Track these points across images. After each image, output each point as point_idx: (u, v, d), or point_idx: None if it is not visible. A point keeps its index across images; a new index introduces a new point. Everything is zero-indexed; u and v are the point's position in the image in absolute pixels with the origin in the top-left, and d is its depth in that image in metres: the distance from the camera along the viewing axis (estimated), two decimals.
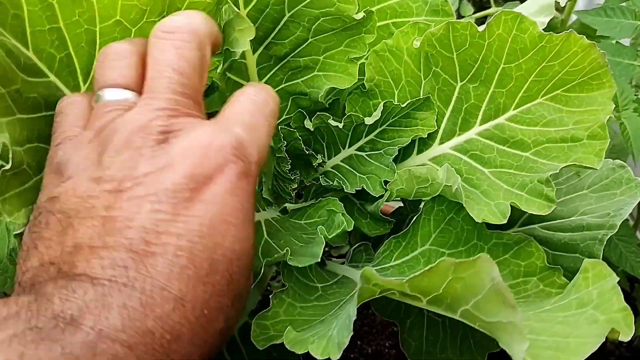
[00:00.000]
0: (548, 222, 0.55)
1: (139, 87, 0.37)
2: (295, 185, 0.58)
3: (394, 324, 0.83)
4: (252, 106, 0.38)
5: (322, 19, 0.54)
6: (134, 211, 0.31)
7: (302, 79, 0.59)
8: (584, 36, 0.46)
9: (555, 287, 0.50)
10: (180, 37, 0.36)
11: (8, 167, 0.35)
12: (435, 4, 0.57)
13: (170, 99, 0.35)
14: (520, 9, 0.62)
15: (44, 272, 0.32)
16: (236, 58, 0.47)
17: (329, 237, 0.51)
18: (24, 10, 0.36)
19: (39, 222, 0.33)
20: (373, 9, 0.61)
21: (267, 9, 0.54)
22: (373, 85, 0.57)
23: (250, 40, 0.47)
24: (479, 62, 0.50)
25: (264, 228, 0.54)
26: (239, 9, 0.53)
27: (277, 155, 0.57)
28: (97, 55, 0.40)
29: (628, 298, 0.92)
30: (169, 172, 0.33)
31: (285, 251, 0.47)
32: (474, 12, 1.16)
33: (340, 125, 0.56)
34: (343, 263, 0.64)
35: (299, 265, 0.48)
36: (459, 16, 1.16)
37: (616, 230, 0.50)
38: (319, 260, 0.49)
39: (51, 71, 0.39)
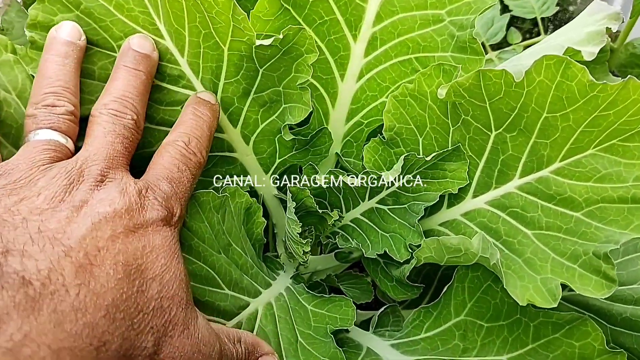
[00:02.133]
0: (603, 297, 0.47)
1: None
2: (309, 249, 0.52)
3: None
4: (179, 156, 0.42)
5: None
6: (75, 227, 0.33)
7: (275, 116, 0.51)
8: None
9: None
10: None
11: None
12: (462, 40, 0.49)
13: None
14: (563, 35, 0.54)
15: None
16: None
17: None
18: None
19: None
20: (393, 41, 0.54)
21: (202, 49, 0.47)
22: (393, 134, 0.49)
23: None
24: (516, 110, 0.43)
25: (276, 316, 0.48)
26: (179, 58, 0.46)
27: (288, 216, 0.50)
28: None
29: None
30: (107, 206, 0.36)
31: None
32: (522, 40, 1.07)
33: (357, 184, 0.49)
34: (367, 325, 0.57)
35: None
36: (507, 44, 1.07)
37: None
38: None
39: None
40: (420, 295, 0.56)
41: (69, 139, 0.41)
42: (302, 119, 0.49)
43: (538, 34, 1.11)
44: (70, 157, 0.39)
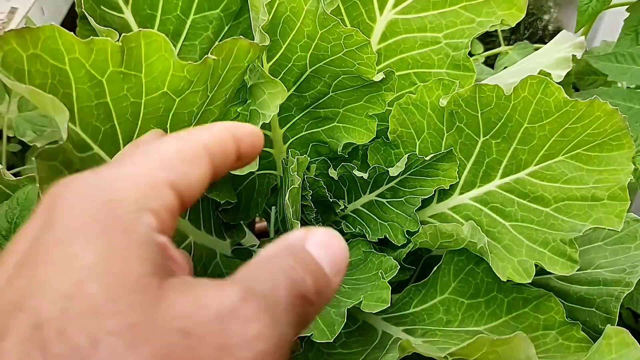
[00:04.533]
0: (568, 274, 0.57)
1: None
2: None
3: None
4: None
5: (342, 76, 0.56)
6: None
7: (322, 129, 0.61)
8: (607, 102, 0.48)
9: (574, 341, 0.51)
10: None
11: None
12: (457, 59, 0.58)
13: None
14: (536, 59, 0.64)
15: None
16: (266, 122, 0.48)
17: (387, 279, 0.52)
18: (72, 88, 0.37)
19: None
20: (395, 57, 0.62)
21: (289, 65, 0.55)
22: (396, 137, 0.58)
23: None
24: (502, 120, 0.52)
25: None
26: (262, 65, 0.54)
27: (303, 203, 0.58)
28: (139, 124, 0.42)
29: (630, 330, 0.94)
30: None
31: (360, 300, 0.48)
32: (484, 51, 1.19)
33: (365, 176, 0.57)
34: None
35: (373, 312, 0.49)
36: (469, 54, 1.18)
37: (632, 288, 0.51)
38: (389, 305, 0.49)
39: (95, 143, 0.40)
40: (406, 280, 0.64)
41: None
42: (366, 141, 0.59)
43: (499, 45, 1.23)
44: None
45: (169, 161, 0.25)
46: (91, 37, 0.36)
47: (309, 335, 0.45)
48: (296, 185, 0.48)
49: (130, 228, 0.22)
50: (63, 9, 1.27)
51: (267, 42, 0.45)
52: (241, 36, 0.42)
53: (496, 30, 1.24)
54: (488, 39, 1.32)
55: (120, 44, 0.37)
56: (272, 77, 0.47)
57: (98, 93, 0.38)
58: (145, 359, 0.19)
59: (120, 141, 0.42)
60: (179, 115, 0.44)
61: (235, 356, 0.20)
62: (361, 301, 0.47)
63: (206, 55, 0.40)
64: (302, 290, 0.23)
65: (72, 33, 0.35)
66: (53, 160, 0.35)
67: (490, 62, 1.20)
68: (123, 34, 0.37)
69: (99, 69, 0.38)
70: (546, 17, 1.60)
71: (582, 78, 1.03)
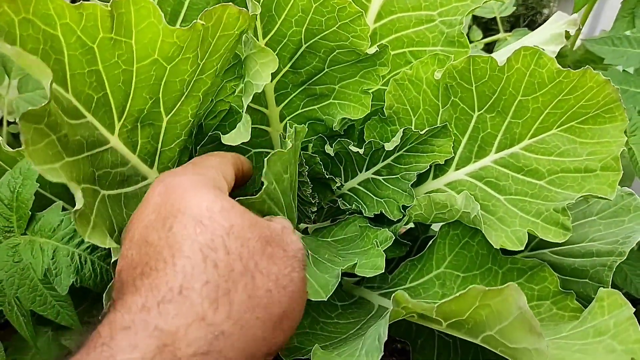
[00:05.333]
0: (558, 247, 0.57)
1: None
2: (315, 209, 0.60)
3: (398, 341, 0.85)
4: None
5: (337, 51, 0.56)
6: None
7: (318, 106, 0.61)
8: (599, 72, 0.48)
9: (568, 310, 0.52)
10: None
11: (80, 206, 0.37)
12: (451, 36, 0.59)
13: None
14: (531, 37, 0.65)
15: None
16: (259, 91, 0.48)
17: (382, 249, 0.53)
18: (64, 55, 0.38)
19: None
20: (390, 37, 0.63)
21: (285, 40, 0.56)
22: (392, 113, 0.59)
23: None
24: (497, 93, 0.52)
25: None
26: (258, 40, 0.55)
27: (299, 179, 0.58)
28: (131, 93, 0.42)
29: None
30: None
31: (355, 262, 0.49)
32: (483, 37, 1.19)
33: (361, 152, 0.57)
34: (357, 283, 0.65)
35: (367, 275, 0.50)
36: (469, 41, 1.19)
37: (625, 257, 0.52)
38: (383, 271, 0.50)
39: (89, 111, 0.40)
40: (402, 258, 0.65)
41: None
42: (360, 117, 0.60)
43: (498, 32, 1.24)
44: None
45: (218, 167, 0.46)
46: (81, 2, 0.37)
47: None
48: (286, 149, 0.48)
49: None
50: None
51: (258, 11, 0.46)
52: (230, 3, 0.43)
53: (496, 22, 1.25)
54: (488, 32, 1.33)
55: (110, 8, 0.38)
56: (262, 46, 0.48)
57: (90, 60, 0.39)
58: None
59: (114, 110, 0.42)
60: (171, 84, 0.44)
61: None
62: (355, 264, 0.48)
63: (195, 20, 0.41)
64: None
65: None
66: (38, 123, 0.35)
67: (490, 51, 1.21)
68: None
69: (90, 35, 0.38)
70: (546, 11, 1.61)
71: (580, 66, 1.03)
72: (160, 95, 0.44)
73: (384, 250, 0.63)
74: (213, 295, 0.35)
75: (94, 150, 0.41)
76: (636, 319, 0.39)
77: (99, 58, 0.39)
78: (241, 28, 0.45)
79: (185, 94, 0.46)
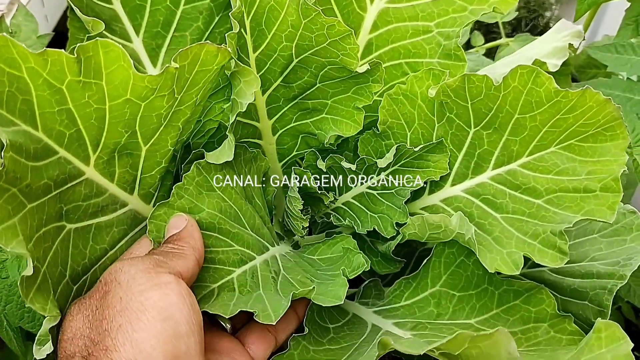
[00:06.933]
0: (557, 266, 0.56)
1: None
2: (307, 224, 0.59)
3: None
4: None
5: (328, 67, 0.55)
6: None
7: (311, 120, 0.60)
8: (599, 92, 0.47)
9: (566, 333, 0.51)
10: None
11: (30, 273, 0.37)
12: (448, 48, 0.57)
13: None
14: (533, 48, 0.63)
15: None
16: (242, 110, 0.48)
17: (350, 277, 0.52)
18: (32, 95, 0.37)
19: None
20: (386, 47, 0.62)
21: (275, 55, 0.54)
22: (386, 128, 0.57)
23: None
24: (493, 111, 0.51)
25: (279, 263, 0.54)
26: (248, 54, 0.54)
27: (290, 194, 0.57)
28: (106, 128, 0.41)
29: (630, 325, 0.92)
30: None
31: (312, 288, 0.47)
32: (485, 42, 1.17)
33: (354, 168, 0.56)
34: (352, 297, 0.64)
35: (322, 305, 0.48)
36: (470, 46, 1.17)
37: (626, 281, 0.50)
38: (342, 302, 0.49)
39: (61, 146, 0.40)
40: (399, 273, 0.64)
41: None
42: (353, 133, 0.58)
43: (500, 37, 1.22)
44: None
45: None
46: (44, 49, 0.36)
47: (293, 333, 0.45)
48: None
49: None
50: (63, 0, 1.27)
51: (237, 30, 0.45)
52: (208, 41, 0.42)
53: (498, 26, 1.23)
54: (490, 35, 1.31)
55: (76, 55, 0.37)
56: (243, 65, 0.47)
57: (59, 100, 0.38)
58: None
59: (88, 143, 0.41)
60: (147, 118, 0.43)
61: None
62: (313, 288, 0.47)
63: (167, 65, 0.40)
64: None
65: (23, 45, 0.35)
66: None
67: (492, 56, 1.19)
68: (79, 44, 0.37)
69: (57, 78, 0.38)
70: (548, 14, 1.58)
71: (583, 71, 1.01)
72: (137, 128, 0.44)
73: (379, 265, 0.62)
74: None
75: (65, 186, 0.41)
76: (634, 356, 0.38)
77: (68, 98, 0.39)
78: (221, 63, 0.44)
79: (164, 124, 0.45)
